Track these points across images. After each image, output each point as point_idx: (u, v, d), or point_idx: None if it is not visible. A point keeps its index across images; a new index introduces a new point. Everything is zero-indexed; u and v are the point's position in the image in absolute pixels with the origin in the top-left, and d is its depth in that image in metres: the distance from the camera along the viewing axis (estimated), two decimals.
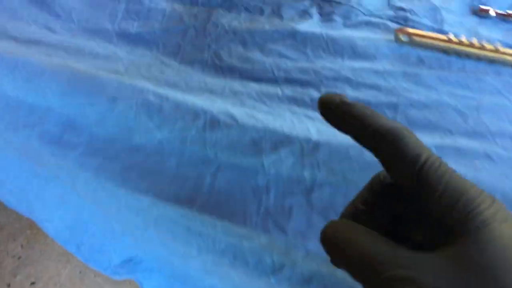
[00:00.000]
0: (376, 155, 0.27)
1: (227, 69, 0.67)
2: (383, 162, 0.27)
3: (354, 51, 0.63)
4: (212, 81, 0.66)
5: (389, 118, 0.26)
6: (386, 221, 0.29)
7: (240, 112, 0.59)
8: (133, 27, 0.77)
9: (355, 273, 0.25)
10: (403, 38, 0.62)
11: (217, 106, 0.60)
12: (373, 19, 0.68)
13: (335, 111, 0.27)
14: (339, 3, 0.70)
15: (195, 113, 0.60)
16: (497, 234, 0.22)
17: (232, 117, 0.58)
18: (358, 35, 0.65)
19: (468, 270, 0.22)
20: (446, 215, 0.24)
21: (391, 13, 0.68)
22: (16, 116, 0.68)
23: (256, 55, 0.67)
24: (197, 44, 0.72)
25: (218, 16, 0.74)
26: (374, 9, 0.69)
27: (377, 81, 0.59)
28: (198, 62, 0.70)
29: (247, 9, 0.74)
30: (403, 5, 0.68)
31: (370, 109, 0.27)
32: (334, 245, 0.26)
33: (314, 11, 0.71)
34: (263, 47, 0.68)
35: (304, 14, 0.71)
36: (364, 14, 0.69)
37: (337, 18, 0.69)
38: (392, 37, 0.64)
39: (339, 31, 0.66)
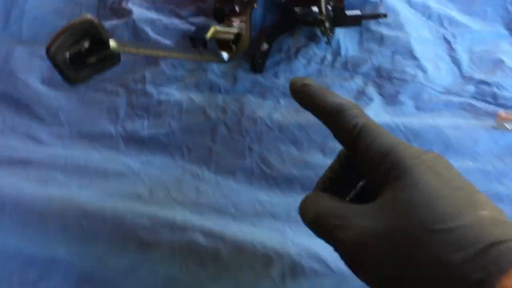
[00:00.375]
0: (329, 129, 0.31)
1: (283, 180, 0.53)
2: (333, 134, 0.31)
3: (446, 146, 0.51)
4: (268, 198, 0.51)
5: None
6: (352, 188, 0.33)
7: (329, 252, 0.44)
8: (143, 127, 0.61)
9: (318, 234, 0.29)
10: (508, 125, 0.49)
11: (291, 242, 0.46)
12: (452, 98, 0.55)
13: (298, 92, 0.32)
14: (403, 80, 0.57)
15: (267, 258, 0.45)
16: (417, 178, 0.25)
17: (321, 260, 0.44)
18: (444, 123, 0.52)
19: (383, 211, 0.25)
20: (377, 170, 0.27)
21: (472, 88, 0.56)
22: (8, 270, 0.51)
23: (317, 158, 0.53)
24: (233, 147, 0.57)
25: (252, 106, 0.59)
26: (448, 83, 0.57)
27: (494, 187, 0.46)
28: (241, 171, 0.55)
29: (285, 94, 0.60)
30: (482, 77, 0.56)
31: (325, 89, 0.31)
32: (303, 214, 0.30)
33: (372, 91, 0.58)
34: (324, 147, 0.54)
35: (361, 95, 0.58)
36: (437, 92, 0.56)
37: (405, 99, 0.56)
38: (488, 121, 0.51)
39: (417, 119, 0.53)
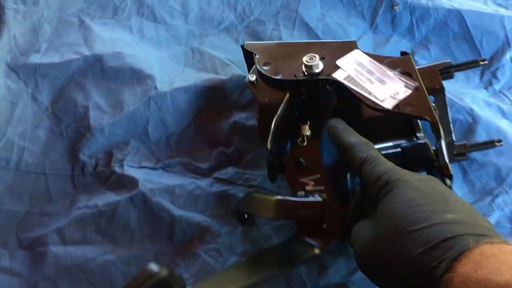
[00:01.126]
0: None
1: None
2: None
3: None
4: None
5: None
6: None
7: None
8: None
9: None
10: None
11: None
12: None
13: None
14: None
15: None
16: (399, 193, 0.32)
17: None
18: None
19: (377, 222, 0.33)
20: (373, 189, 0.35)
21: None
22: None
23: None
24: None
25: None
26: None
27: None
28: None
29: None
30: None
31: (348, 129, 0.42)
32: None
33: None
34: None
35: None
36: None
37: None
38: None
39: None
